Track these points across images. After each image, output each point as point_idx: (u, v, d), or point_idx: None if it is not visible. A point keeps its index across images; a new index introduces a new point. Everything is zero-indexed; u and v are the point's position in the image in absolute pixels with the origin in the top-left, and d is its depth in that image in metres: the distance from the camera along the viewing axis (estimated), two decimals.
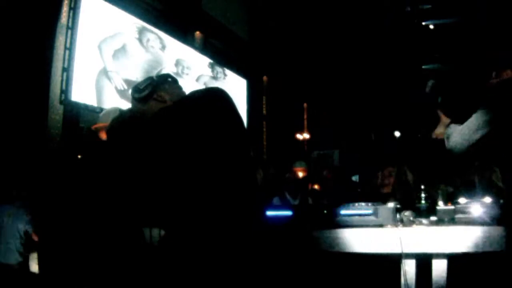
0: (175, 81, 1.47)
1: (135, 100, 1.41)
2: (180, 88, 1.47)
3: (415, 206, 2.42)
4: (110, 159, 1.34)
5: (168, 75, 1.49)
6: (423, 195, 2.45)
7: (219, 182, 1.17)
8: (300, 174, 5.33)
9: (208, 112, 1.21)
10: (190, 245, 1.13)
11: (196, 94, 1.31)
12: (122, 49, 5.38)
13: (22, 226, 3.78)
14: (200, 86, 6.97)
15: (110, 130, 1.45)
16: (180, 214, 1.17)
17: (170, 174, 1.18)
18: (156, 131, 1.24)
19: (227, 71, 8.00)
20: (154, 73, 5.62)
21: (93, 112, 4.87)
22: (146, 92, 1.40)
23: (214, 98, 1.24)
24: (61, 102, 4.67)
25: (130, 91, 1.49)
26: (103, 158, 1.36)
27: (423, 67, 10.65)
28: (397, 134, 11.27)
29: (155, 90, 1.40)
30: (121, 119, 1.42)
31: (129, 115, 1.42)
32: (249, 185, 1.25)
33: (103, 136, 2.20)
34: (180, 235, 1.16)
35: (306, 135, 11.05)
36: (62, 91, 4.61)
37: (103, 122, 2.22)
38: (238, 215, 1.17)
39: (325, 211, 2.43)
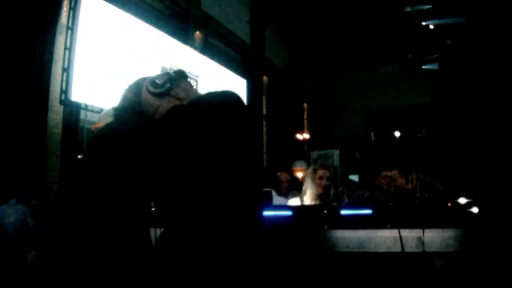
0: (187, 78, 1.46)
1: (150, 94, 1.37)
2: (192, 85, 1.46)
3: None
4: (115, 155, 1.32)
5: (183, 72, 1.46)
6: None
7: (222, 185, 1.17)
8: (300, 174, 5.33)
9: (222, 116, 1.20)
10: (188, 245, 1.13)
11: (212, 96, 1.30)
12: (122, 49, 5.38)
13: (23, 223, 3.77)
14: (200, 86, 6.98)
15: (113, 124, 1.43)
16: (180, 214, 1.17)
17: (176, 172, 1.18)
18: (169, 129, 1.23)
19: (227, 71, 8.01)
20: (154, 73, 5.61)
21: (93, 112, 4.88)
22: (164, 88, 1.37)
23: (229, 103, 1.23)
24: (61, 102, 4.67)
25: (137, 84, 1.44)
26: (107, 153, 1.35)
27: (423, 67, 10.66)
28: (397, 134, 11.28)
29: (172, 86, 1.38)
30: (122, 114, 1.40)
31: (135, 110, 1.39)
32: (251, 189, 1.26)
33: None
34: (178, 235, 1.16)
35: (306, 135, 11.05)
36: (62, 91, 4.61)
37: (103, 122, 2.21)
38: (237, 216, 1.17)
39: (325, 211, 2.43)
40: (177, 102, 1.34)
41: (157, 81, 1.37)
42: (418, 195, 2.85)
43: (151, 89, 1.36)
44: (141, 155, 1.27)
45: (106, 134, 1.40)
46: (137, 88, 1.41)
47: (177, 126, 1.22)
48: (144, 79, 1.43)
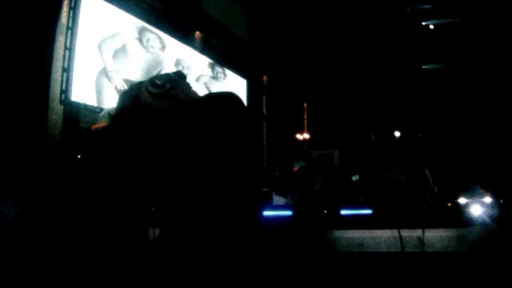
0: (186, 78, 1.46)
1: (150, 94, 1.37)
2: (191, 86, 1.46)
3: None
4: (114, 156, 1.32)
5: (182, 73, 1.47)
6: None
7: (222, 185, 1.17)
8: None
9: (222, 117, 1.21)
10: (188, 244, 1.13)
11: (212, 98, 1.31)
12: (122, 49, 5.38)
13: (20, 223, 3.76)
14: (200, 86, 6.97)
15: (113, 125, 1.43)
16: (179, 214, 1.17)
17: (176, 173, 1.19)
18: (170, 129, 1.24)
19: (227, 71, 8.00)
20: (154, 73, 5.61)
21: (93, 112, 4.87)
22: (165, 88, 1.37)
23: (229, 104, 1.24)
24: (61, 102, 4.66)
25: (135, 84, 1.44)
26: (106, 154, 1.34)
27: (423, 67, 10.66)
28: (397, 134, 11.29)
29: (173, 87, 1.38)
30: (124, 113, 1.40)
31: (134, 109, 1.39)
32: (251, 189, 1.26)
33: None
34: (177, 235, 1.16)
35: (306, 135, 11.05)
36: (62, 91, 4.61)
37: (103, 122, 2.20)
38: (237, 216, 1.17)
39: (325, 211, 2.43)
40: (177, 103, 1.35)
41: (157, 81, 1.37)
42: (407, 188, 2.86)
43: (151, 89, 1.36)
44: (141, 155, 1.27)
45: (104, 137, 1.40)
46: (133, 92, 1.41)
47: (177, 126, 1.22)
48: (140, 83, 1.44)
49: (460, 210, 2.23)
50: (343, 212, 2.31)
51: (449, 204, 2.53)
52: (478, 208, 2.17)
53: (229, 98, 1.25)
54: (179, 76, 1.43)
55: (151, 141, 1.27)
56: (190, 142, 1.18)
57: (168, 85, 1.37)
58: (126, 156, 1.30)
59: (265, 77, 9.86)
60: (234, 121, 1.22)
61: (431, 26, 9.71)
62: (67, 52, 4.63)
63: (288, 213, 2.46)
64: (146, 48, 5.82)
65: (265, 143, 9.55)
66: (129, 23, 5.53)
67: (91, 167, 1.36)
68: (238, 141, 1.21)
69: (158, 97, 1.36)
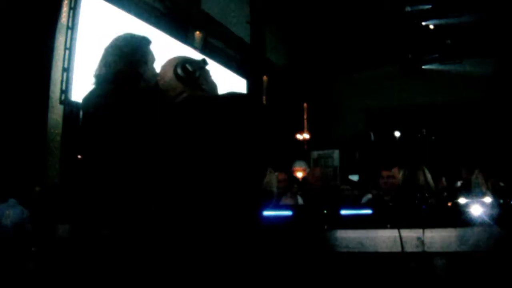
0: (207, 65, 1.46)
1: (176, 76, 1.36)
2: (211, 75, 1.47)
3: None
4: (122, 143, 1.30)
5: (206, 61, 1.45)
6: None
7: (225, 185, 1.17)
8: (300, 174, 5.33)
9: (237, 117, 1.22)
10: (188, 244, 1.13)
11: (231, 97, 1.32)
12: None
13: (21, 224, 3.76)
14: None
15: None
16: (181, 213, 1.17)
17: (180, 168, 1.18)
18: (186, 118, 1.23)
19: (227, 71, 8.00)
20: None
21: None
22: (194, 75, 1.36)
23: (246, 106, 1.25)
24: (61, 102, 4.66)
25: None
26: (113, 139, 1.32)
27: (423, 67, 10.66)
28: (397, 134, 11.28)
29: (200, 75, 1.37)
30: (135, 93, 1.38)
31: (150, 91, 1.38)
32: (252, 189, 1.26)
33: None
34: (177, 235, 1.16)
35: (306, 135, 11.03)
36: (62, 91, 4.61)
37: None
38: (238, 215, 1.17)
39: (325, 211, 2.43)
40: (200, 93, 1.35)
41: (188, 66, 1.36)
42: (406, 188, 2.86)
43: (180, 72, 1.35)
44: (145, 136, 1.24)
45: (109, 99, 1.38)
46: (137, 57, 1.40)
47: (193, 117, 1.22)
48: (146, 46, 1.43)
49: (460, 210, 2.23)
50: (343, 212, 2.31)
51: (449, 204, 2.53)
52: (478, 208, 2.17)
53: (246, 100, 1.27)
54: (205, 64, 1.43)
55: (159, 125, 1.25)
56: (202, 135, 1.19)
57: (197, 74, 1.37)
58: (129, 133, 1.27)
59: (265, 77, 9.84)
60: (247, 122, 1.23)
61: (431, 26, 9.70)
62: (67, 52, 4.63)
63: (288, 213, 2.46)
64: None
65: None
66: (129, 23, 5.53)
67: (91, 157, 1.35)
68: (246, 141, 1.21)
69: (184, 82, 1.35)
